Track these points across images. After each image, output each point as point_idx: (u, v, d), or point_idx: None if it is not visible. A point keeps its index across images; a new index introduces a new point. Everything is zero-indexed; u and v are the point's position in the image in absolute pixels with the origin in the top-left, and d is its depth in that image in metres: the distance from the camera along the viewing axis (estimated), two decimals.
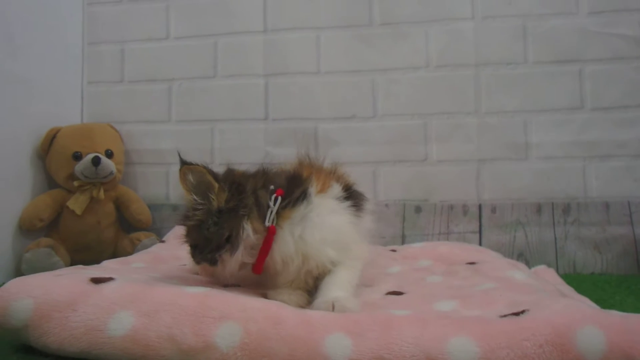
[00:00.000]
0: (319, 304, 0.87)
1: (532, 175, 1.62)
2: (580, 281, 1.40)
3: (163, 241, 1.57)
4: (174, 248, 1.47)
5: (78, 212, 1.57)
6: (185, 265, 1.26)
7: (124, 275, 0.93)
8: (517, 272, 1.14)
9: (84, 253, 1.58)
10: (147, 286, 0.84)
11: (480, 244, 1.61)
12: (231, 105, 1.77)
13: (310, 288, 0.97)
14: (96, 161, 1.57)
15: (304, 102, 1.73)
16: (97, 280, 0.86)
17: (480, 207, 1.63)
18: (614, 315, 0.75)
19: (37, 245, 1.49)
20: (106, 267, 1.15)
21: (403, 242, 1.64)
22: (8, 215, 1.52)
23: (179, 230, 1.59)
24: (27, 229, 1.54)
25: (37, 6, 1.63)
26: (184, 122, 1.80)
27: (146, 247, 1.55)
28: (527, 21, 1.62)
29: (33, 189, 1.60)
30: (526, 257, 1.59)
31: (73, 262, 1.52)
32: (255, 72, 1.76)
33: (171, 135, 1.80)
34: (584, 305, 0.79)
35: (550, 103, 1.61)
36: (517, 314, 0.76)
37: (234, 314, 0.76)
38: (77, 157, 1.58)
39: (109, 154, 1.64)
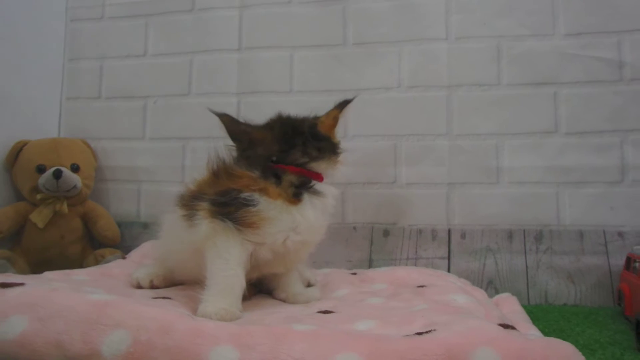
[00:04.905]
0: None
1: (504, 200, 1.43)
2: (547, 312, 1.23)
3: (125, 258, 1.40)
4: (131, 266, 1.31)
5: (40, 225, 1.42)
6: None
7: (39, 282, 0.82)
8: (461, 296, 0.98)
9: (47, 267, 1.39)
10: (51, 291, 0.74)
11: (449, 271, 1.42)
12: (204, 123, 1.59)
13: None
14: (57, 174, 1.42)
15: None
16: (5, 285, 0.76)
17: (449, 232, 1.44)
18: (519, 338, 0.63)
19: None
20: (41, 277, 1.02)
21: (370, 266, 1.45)
22: None
23: (145, 248, 1.45)
24: None
25: (20, 22, 1.52)
26: (158, 139, 1.64)
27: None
28: (501, 42, 1.44)
29: None
30: (496, 285, 1.40)
31: None
32: (229, 91, 1.60)
33: (144, 153, 1.64)
34: (491, 327, 0.67)
35: (523, 126, 1.43)
36: (420, 333, 0.66)
37: (127, 322, 0.66)
38: (41, 170, 1.44)
39: (75, 168, 1.49)
